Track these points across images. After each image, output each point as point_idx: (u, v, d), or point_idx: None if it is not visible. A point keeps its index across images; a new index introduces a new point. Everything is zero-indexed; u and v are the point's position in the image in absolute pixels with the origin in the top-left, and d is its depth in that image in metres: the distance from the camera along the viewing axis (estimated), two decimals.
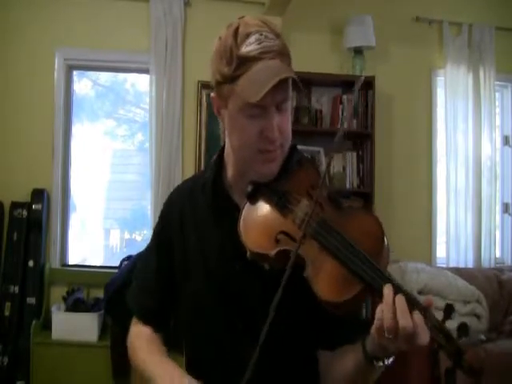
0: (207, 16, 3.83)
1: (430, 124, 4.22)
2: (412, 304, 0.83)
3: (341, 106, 3.85)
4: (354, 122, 3.87)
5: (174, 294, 1.21)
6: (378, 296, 0.86)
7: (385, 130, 3.98)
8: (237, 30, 1.01)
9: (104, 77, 4.39)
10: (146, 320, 1.25)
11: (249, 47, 0.98)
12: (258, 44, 0.98)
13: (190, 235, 1.17)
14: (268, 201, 1.06)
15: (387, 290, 0.85)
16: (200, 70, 3.76)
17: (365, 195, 3.84)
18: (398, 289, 0.86)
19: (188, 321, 1.20)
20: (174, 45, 3.73)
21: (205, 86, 3.76)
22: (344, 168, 3.86)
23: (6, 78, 3.66)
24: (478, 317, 3.35)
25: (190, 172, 3.57)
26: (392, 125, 4.08)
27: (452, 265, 4.01)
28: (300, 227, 0.98)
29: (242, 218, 1.05)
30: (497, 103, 4.37)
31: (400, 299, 0.83)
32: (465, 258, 4.10)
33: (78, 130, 4.03)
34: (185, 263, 1.16)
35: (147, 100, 3.81)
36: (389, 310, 0.82)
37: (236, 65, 0.99)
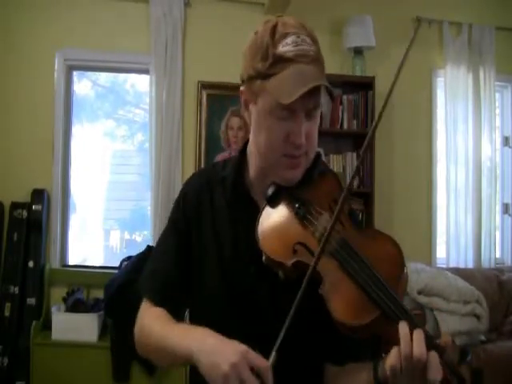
0: (207, 16, 3.84)
1: (430, 124, 4.22)
2: (429, 342, 0.81)
3: (341, 107, 3.86)
4: (354, 122, 3.87)
5: (190, 276, 1.12)
6: (393, 326, 0.84)
7: (385, 131, 3.98)
8: (274, 27, 1.00)
9: (104, 77, 4.38)
10: (160, 300, 1.11)
11: (285, 47, 0.98)
12: (295, 46, 0.98)
13: (206, 228, 1.13)
14: (288, 207, 1.03)
15: (403, 327, 0.83)
16: (200, 70, 3.76)
17: (365, 195, 3.84)
18: (414, 325, 0.83)
19: (194, 320, 1.14)
20: (173, 45, 3.73)
21: (205, 86, 3.76)
22: (344, 168, 3.86)
23: (7, 78, 3.66)
24: (478, 317, 3.35)
25: (189, 172, 3.53)
26: (392, 125, 4.08)
27: (452, 265, 4.01)
28: (319, 242, 0.94)
29: (260, 220, 1.03)
30: (497, 104, 4.37)
31: (418, 332, 0.82)
32: (465, 259, 4.10)
33: (77, 130, 4.03)
34: (200, 258, 1.12)
35: (147, 100, 3.81)
36: (407, 346, 0.80)
37: (271, 62, 0.98)
